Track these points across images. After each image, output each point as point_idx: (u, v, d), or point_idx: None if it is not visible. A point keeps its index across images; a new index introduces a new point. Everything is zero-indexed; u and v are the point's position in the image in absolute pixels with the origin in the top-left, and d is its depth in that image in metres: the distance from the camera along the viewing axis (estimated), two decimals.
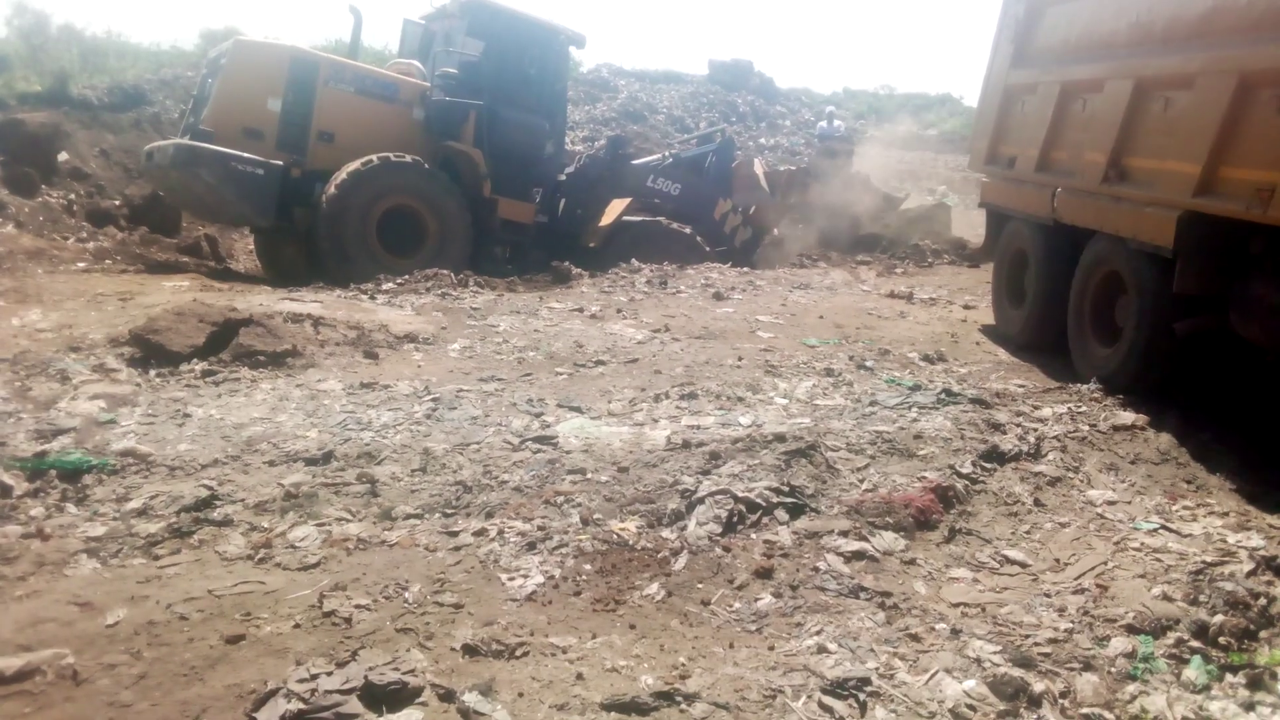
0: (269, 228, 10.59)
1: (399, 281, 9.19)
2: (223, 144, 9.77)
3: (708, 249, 12.20)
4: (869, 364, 6.67)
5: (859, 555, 3.66)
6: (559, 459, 4.49)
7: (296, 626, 3.02)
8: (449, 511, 3.94)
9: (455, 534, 3.73)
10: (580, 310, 8.39)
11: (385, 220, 10.24)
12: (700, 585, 3.40)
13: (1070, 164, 6.91)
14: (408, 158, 10.40)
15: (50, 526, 3.69)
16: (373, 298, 8.49)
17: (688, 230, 12.07)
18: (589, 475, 4.29)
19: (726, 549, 3.63)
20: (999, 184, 8.54)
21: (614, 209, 11.97)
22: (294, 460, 4.36)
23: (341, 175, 10.02)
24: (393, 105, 11.01)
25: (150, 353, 5.89)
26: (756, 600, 3.31)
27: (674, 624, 3.16)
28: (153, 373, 5.71)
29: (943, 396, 5.59)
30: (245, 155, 9.82)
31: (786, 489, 4.02)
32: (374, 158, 10.14)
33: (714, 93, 32.26)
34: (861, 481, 4.26)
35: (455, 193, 10.77)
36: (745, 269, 11.50)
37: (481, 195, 11.11)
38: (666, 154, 13.52)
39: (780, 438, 4.52)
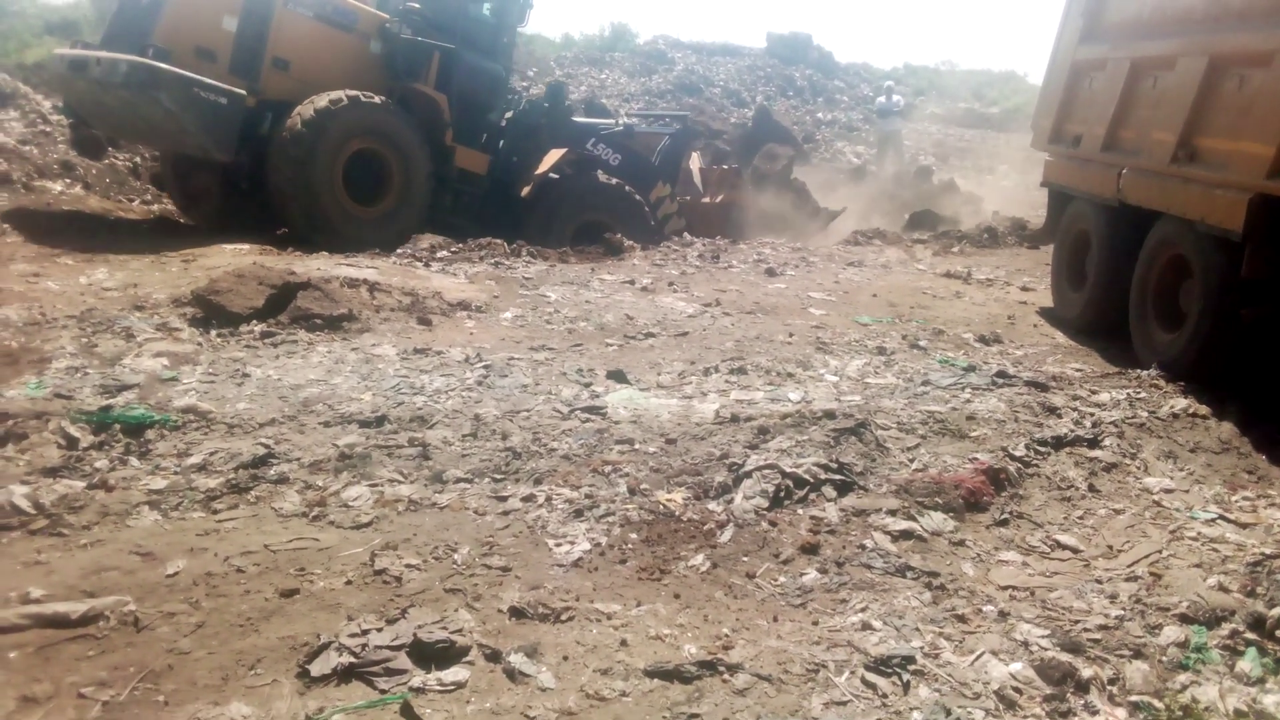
0: (226, 162, 9.50)
1: (453, 249, 9.26)
2: (174, 64, 8.73)
3: (657, 218, 11.83)
4: (922, 343, 6.59)
5: (907, 535, 3.64)
6: (607, 429, 4.51)
7: (349, 583, 3.10)
8: (498, 477, 3.99)
9: (504, 499, 3.78)
10: (631, 283, 8.39)
11: (349, 164, 9.55)
12: (745, 558, 3.41)
13: (1138, 143, 6.72)
14: (377, 98, 9.72)
15: (114, 479, 3.80)
16: (427, 265, 8.57)
17: (639, 200, 11.58)
18: (637, 446, 4.31)
19: (773, 523, 3.63)
20: (1063, 163, 8.33)
21: (550, 158, 11.28)
22: (348, 422, 4.44)
23: (308, 112, 9.23)
24: (350, 35, 10.17)
25: (211, 313, 6.03)
26: (802, 575, 3.32)
27: (718, 595, 3.18)
28: (214, 333, 5.84)
29: (997, 378, 5.50)
30: (208, 81, 8.86)
31: (835, 466, 4.00)
32: (343, 95, 9.41)
33: (771, 66, 31.85)
34: (911, 461, 4.22)
35: (421, 139, 10.10)
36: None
37: (443, 143, 10.48)
38: (619, 122, 13.06)
39: (830, 415, 4.50)
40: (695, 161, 13.72)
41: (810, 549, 3.46)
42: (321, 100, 9.27)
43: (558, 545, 3.43)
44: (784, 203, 14.02)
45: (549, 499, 3.78)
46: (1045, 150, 8.76)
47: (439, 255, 9.07)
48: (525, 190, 11.14)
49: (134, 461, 3.99)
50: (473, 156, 10.98)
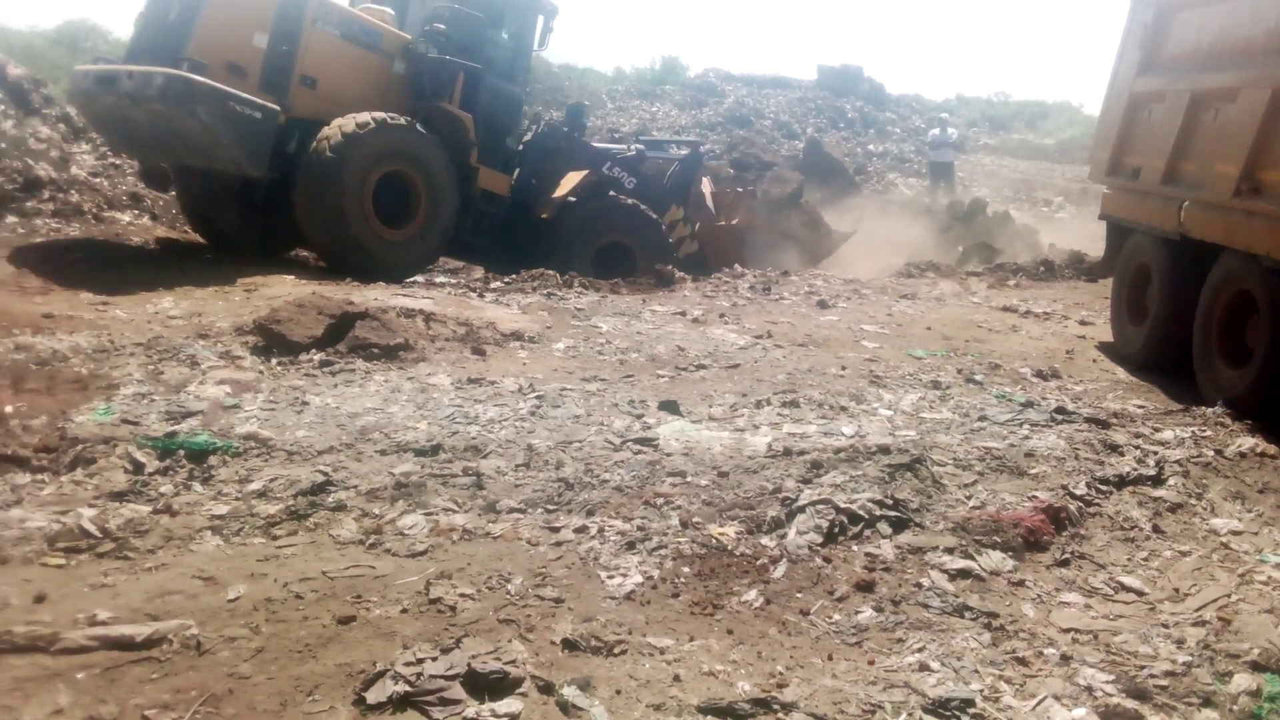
0: (260, 178, 9.39)
1: (506, 280, 9.37)
2: (208, 79, 8.65)
3: (670, 241, 11.89)
4: (978, 378, 6.50)
5: (964, 573, 3.58)
6: (659, 461, 4.51)
7: (404, 611, 3.12)
8: (551, 507, 4.01)
9: (557, 530, 3.79)
10: (682, 314, 8.42)
11: (376, 187, 9.52)
12: (799, 594, 3.38)
13: (1199, 176, 6.60)
14: (406, 120, 9.72)
15: (178, 504, 3.89)
16: (481, 295, 8.69)
17: (658, 222, 11.67)
18: (689, 478, 4.30)
19: (827, 559, 3.60)
20: (1121, 196, 8.22)
21: (570, 180, 11.38)
22: (404, 450, 4.50)
23: (339, 133, 9.19)
24: (375, 55, 10.18)
25: (272, 342, 6.16)
26: (857, 613, 3.27)
27: (772, 632, 3.15)
28: (274, 361, 5.97)
29: (1056, 414, 5.42)
30: (244, 95, 8.82)
31: (890, 502, 3.96)
32: (371, 118, 9.37)
33: (822, 98, 31.93)
34: (969, 498, 4.16)
35: (448, 161, 10.08)
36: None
37: (467, 163, 10.49)
38: (632, 146, 13.11)
39: (884, 449, 4.45)
40: (707, 185, 13.76)
41: (865, 586, 3.42)
42: (352, 121, 9.29)
43: (610, 577, 3.43)
44: (796, 225, 14.01)
45: (601, 530, 3.78)
46: (1103, 182, 8.65)
47: (492, 286, 9.18)
48: (545, 212, 11.21)
49: (197, 487, 4.07)
50: (495, 178, 11.03)
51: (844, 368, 6.68)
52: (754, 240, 13.25)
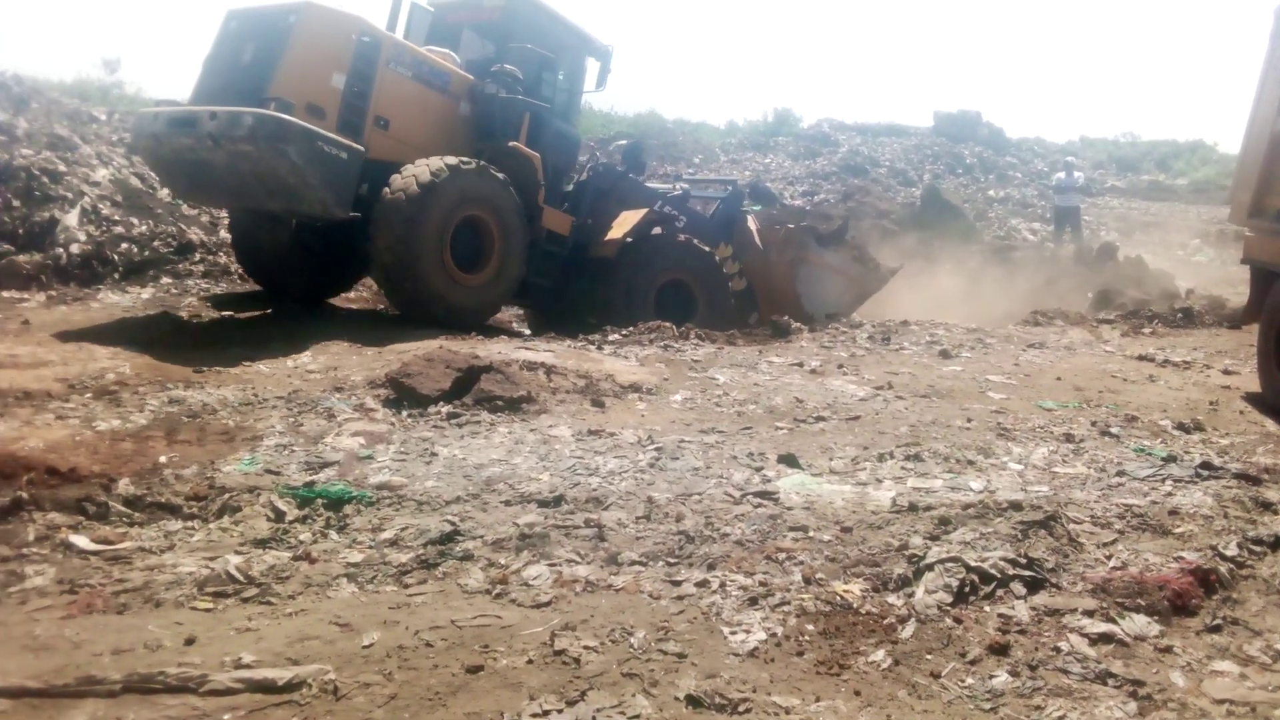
0: (344, 219, 9.21)
1: (624, 333, 9.50)
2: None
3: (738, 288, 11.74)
4: (1114, 431, 6.23)
5: (1106, 638, 3.40)
6: (780, 514, 4.47)
7: (530, 662, 3.17)
8: (672, 560, 4.01)
9: (678, 583, 3.79)
10: (800, 365, 8.36)
11: (455, 233, 9.48)
12: (929, 656, 3.28)
13: None
14: (482, 164, 9.71)
15: (316, 551, 4.06)
16: (600, 348, 8.83)
17: (715, 257, 11.59)
18: (811, 533, 4.25)
19: (957, 620, 3.48)
20: (1265, 238, 7.80)
21: (627, 219, 11.28)
22: (528, 501, 4.59)
23: (418, 178, 9.09)
24: (443, 96, 10.22)
25: (403, 394, 6.41)
26: (991, 677, 3.15)
27: (901, 694, 3.06)
28: (405, 413, 6.20)
29: (1201, 470, 5.13)
30: (330, 135, 8.81)
31: (1024, 561, 3.81)
32: (442, 163, 9.27)
33: (938, 144, 31.52)
34: (1108, 558, 3.97)
35: (519, 204, 10.03)
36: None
37: (535, 203, 10.42)
38: (676, 185, 13.07)
39: (1016, 506, 4.30)
40: (752, 222, 13.64)
41: (999, 649, 3.29)
42: (434, 165, 9.23)
43: (733, 633, 3.40)
44: (846, 259, 13.73)
45: (723, 585, 3.76)
46: (1245, 225, 8.24)
47: (610, 338, 9.32)
48: (605, 252, 11.14)
49: (334, 535, 4.25)
50: (558, 218, 10.98)
51: (969, 420, 6.49)
52: (806, 276, 13.06)
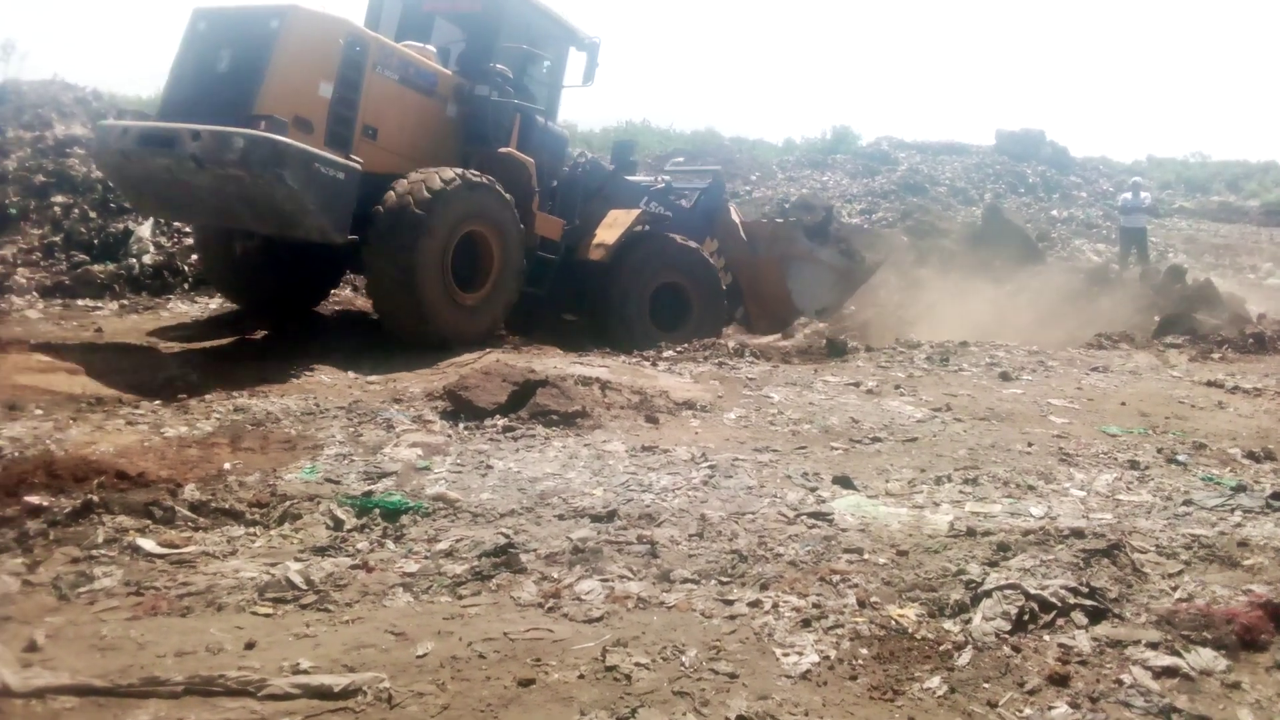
0: (342, 244, 8.62)
1: (678, 350, 9.51)
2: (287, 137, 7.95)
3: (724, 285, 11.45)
4: (1181, 458, 6.06)
5: (1170, 671, 3.31)
6: (835, 536, 4.43)
7: (581, 677, 3.17)
8: (724, 579, 4.00)
9: (730, 602, 3.77)
10: (856, 385, 8.28)
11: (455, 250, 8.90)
12: (986, 684, 3.22)
13: None
14: (482, 177, 9.07)
15: (373, 560, 4.12)
16: (654, 364, 8.85)
17: (709, 258, 11.30)
18: (866, 556, 4.20)
19: (1016, 649, 3.41)
20: None
21: (618, 220, 10.79)
22: (581, 516, 4.61)
23: (421, 191, 8.48)
24: (431, 99, 9.52)
25: (460, 407, 6.49)
26: (1050, 708, 3.08)
27: None
28: (461, 425, 6.27)
29: (1273, 500, 4.97)
30: (326, 155, 8.16)
31: (1085, 590, 3.73)
32: (440, 177, 8.63)
33: (1000, 163, 31.11)
34: (1174, 589, 3.86)
35: (516, 215, 9.39)
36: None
37: (530, 210, 9.83)
38: (659, 178, 12.59)
39: (1078, 533, 4.21)
40: (735, 214, 13.21)
41: (1059, 680, 3.22)
42: (435, 179, 8.62)
43: (785, 655, 3.37)
44: (834, 253, 13.37)
45: (775, 606, 3.73)
46: None
47: (665, 354, 9.34)
48: (598, 255, 10.72)
49: (390, 544, 4.31)
50: (550, 223, 10.48)
51: (1030, 444, 6.37)
52: (796, 272, 12.70)
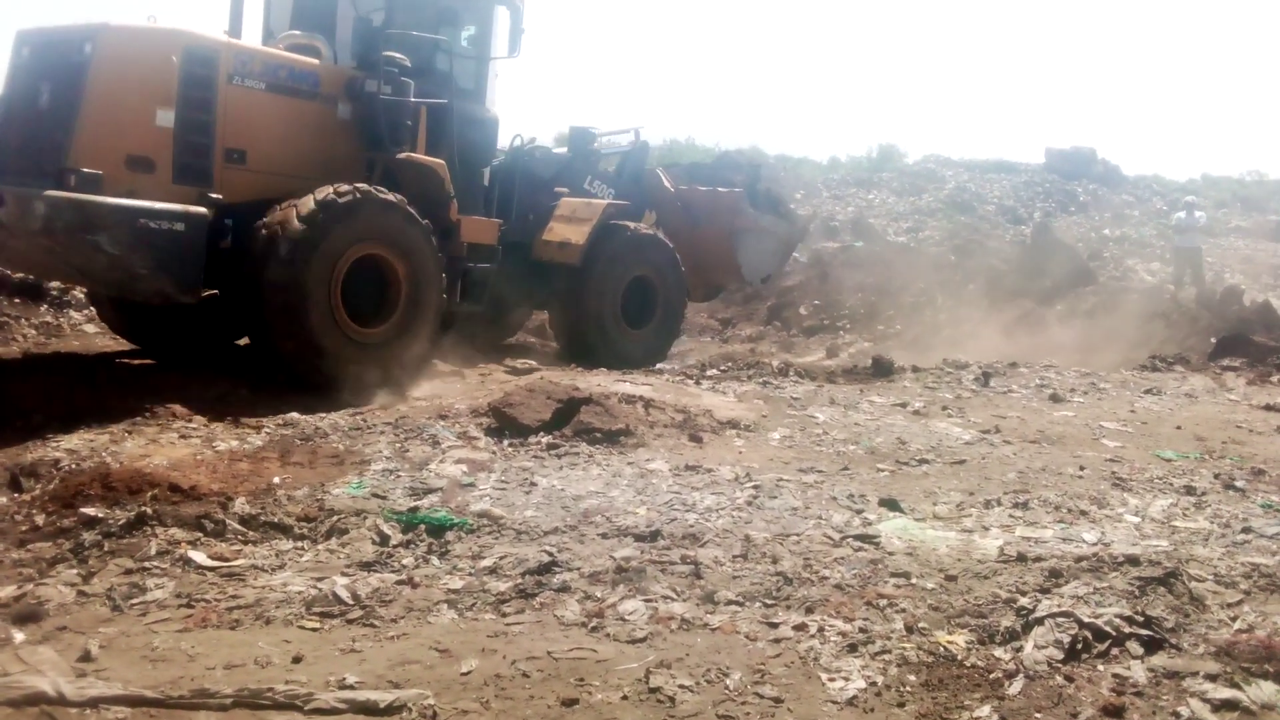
0: (195, 303, 7.45)
1: (722, 368, 9.49)
2: (108, 190, 6.68)
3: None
4: (1239, 484, 5.91)
5: (1230, 705, 3.21)
6: (881, 559, 4.37)
7: (624, 698, 3.16)
8: (769, 602, 3.96)
9: (775, 625, 3.74)
10: (903, 405, 8.19)
11: (346, 279, 7.58)
12: (1038, 714, 3.14)
13: None
14: (389, 195, 7.78)
15: (418, 576, 4.14)
16: (698, 383, 8.83)
17: (673, 249, 10.70)
18: (913, 580, 4.14)
19: (1069, 678, 3.33)
20: None
21: (578, 212, 9.94)
22: (624, 535, 4.60)
23: (288, 221, 7.19)
24: (313, 103, 8.03)
25: (504, 424, 6.52)
26: None
27: None
28: (506, 442, 6.30)
29: None
30: (157, 206, 6.81)
31: (1141, 619, 3.63)
32: (317, 195, 7.32)
33: (1050, 181, 30.69)
34: (1234, 620, 3.75)
35: (428, 232, 8.02)
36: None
37: (447, 219, 8.47)
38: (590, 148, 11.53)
39: (1133, 560, 4.11)
40: (667, 181, 12.23)
41: (1114, 711, 3.13)
42: (298, 204, 7.30)
43: (831, 680, 3.32)
44: (774, 219, 12.69)
45: (821, 629, 3.69)
46: None
47: (709, 373, 9.32)
48: (567, 256, 9.92)
49: (435, 561, 4.33)
50: (480, 226, 9.14)
51: (1082, 468, 6.25)
52: (744, 244, 12.03)
